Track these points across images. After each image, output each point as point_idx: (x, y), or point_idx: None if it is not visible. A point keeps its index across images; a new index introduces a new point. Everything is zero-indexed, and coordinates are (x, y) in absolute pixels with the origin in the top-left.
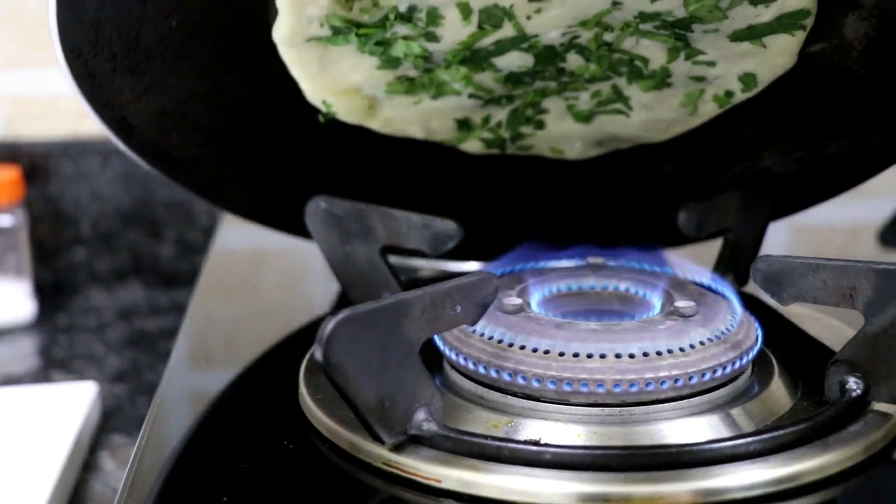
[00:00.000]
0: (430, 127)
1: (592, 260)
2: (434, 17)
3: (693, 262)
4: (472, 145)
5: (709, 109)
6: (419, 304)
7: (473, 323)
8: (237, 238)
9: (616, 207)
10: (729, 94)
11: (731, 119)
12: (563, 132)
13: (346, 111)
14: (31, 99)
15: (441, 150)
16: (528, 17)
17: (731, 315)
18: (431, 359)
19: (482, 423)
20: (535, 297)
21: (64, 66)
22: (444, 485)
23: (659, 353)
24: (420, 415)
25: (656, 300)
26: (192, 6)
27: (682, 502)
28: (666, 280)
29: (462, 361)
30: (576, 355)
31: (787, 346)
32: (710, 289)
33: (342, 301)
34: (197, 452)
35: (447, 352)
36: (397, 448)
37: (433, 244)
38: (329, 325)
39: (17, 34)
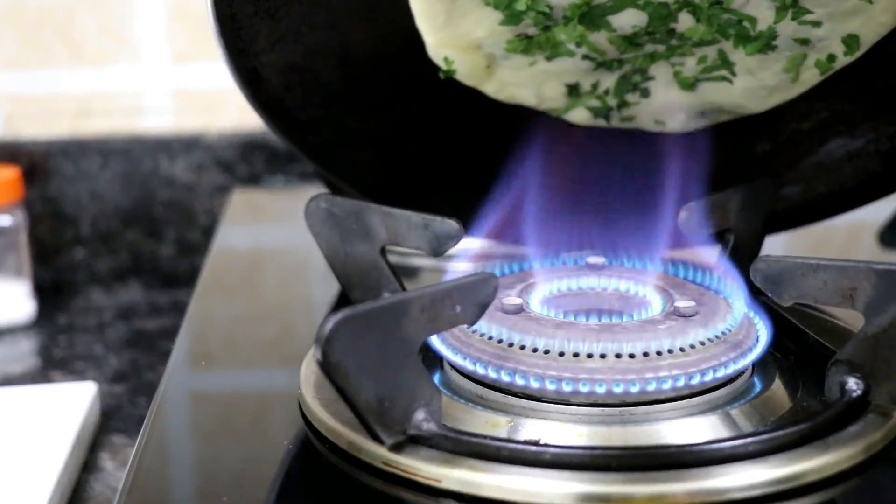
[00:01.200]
0: (541, 92)
1: (592, 260)
2: None
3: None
4: (580, 114)
5: (810, 77)
6: (419, 304)
7: (473, 322)
8: (237, 238)
9: (710, 188)
10: (831, 57)
11: (826, 93)
12: (667, 101)
13: (466, 69)
14: (31, 99)
15: (547, 125)
16: None
17: (731, 315)
18: (431, 359)
19: (482, 423)
20: (535, 297)
21: (211, 6)
22: (444, 485)
23: (659, 353)
24: (420, 415)
25: (656, 300)
26: None
27: (682, 502)
28: (666, 280)
29: (462, 361)
30: (576, 355)
31: (787, 346)
32: (710, 288)
33: (342, 301)
34: (197, 452)
35: (447, 351)
36: (397, 448)
37: (433, 244)
38: (329, 325)
39: (17, 34)
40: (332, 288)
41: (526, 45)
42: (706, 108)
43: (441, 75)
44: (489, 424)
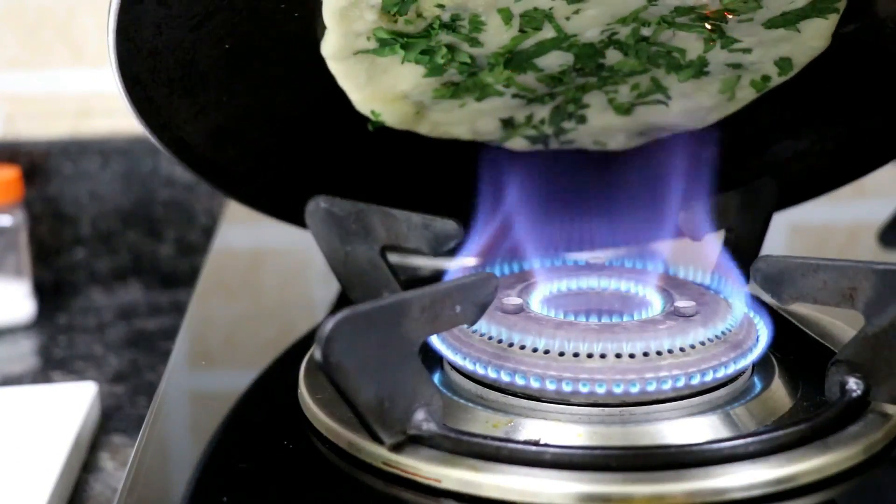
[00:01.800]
0: (475, 128)
1: (592, 260)
2: (476, 23)
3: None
4: (517, 143)
5: (746, 95)
6: (419, 304)
7: (473, 323)
8: (237, 238)
9: (655, 196)
10: (766, 78)
11: (768, 102)
12: (604, 125)
13: (395, 118)
14: (31, 99)
15: (487, 150)
16: (567, 18)
17: (732, 315)
18: (431, 359)
19: (482, 422)
20: (535, 297)
21: (124, 94)
22: (444, 485)
23: (659, 353)
24: (419, 415)
25: (656, 300)
26: (244, 29)
27: (681, 502)
28: (666, 280)
29: (462, 361)
30: (576, 355)
31: (787, 346)
32: (710, 288)
33: (342, 301)
34: (197, 452)
35: (447, 351)
36: (397, 448)
37: (433, 244)
38: (328, 325)
39: (17, 34)
40: (332, 288)
41: (453, 90)
42: (645, 129)
43: (370, 127)
44: (489, 424)
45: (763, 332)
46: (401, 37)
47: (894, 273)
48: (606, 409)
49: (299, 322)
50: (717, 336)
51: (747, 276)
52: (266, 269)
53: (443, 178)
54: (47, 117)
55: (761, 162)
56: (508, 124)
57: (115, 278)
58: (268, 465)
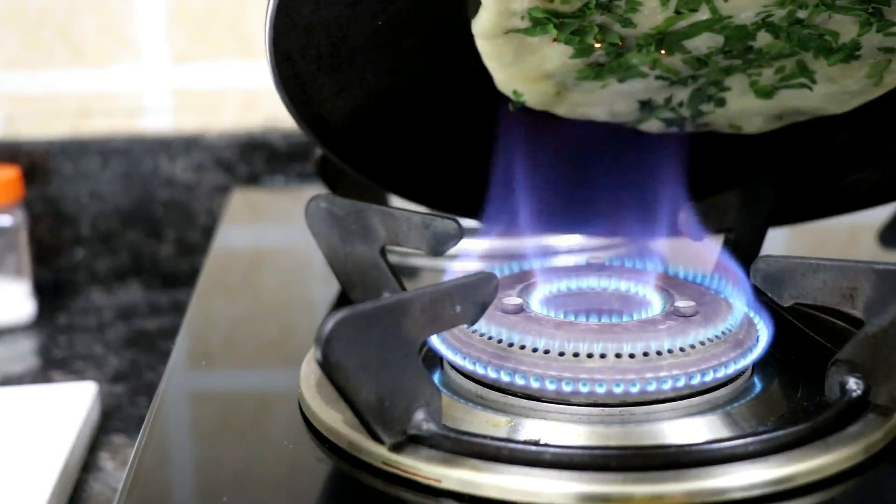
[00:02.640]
0: (613, 109)
1: (592, 260)
2: (633, 3)
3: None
4: (653, 125)
5: (894, 79)
6: (419, 304)
7: (473, 322)
8: (237, 238)
9: (786, 178)
10: None
11: None
12: (743, 108)
13: (535, 98)
14: (31, 99)
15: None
16: (725, 0)
17: (732, 315)
18: (431, 359)
19: (482, 423)
20: (535, 297)
21: (273, 70)
22: (444, 485)
23: (659, 353)
24: (419, 414)
25: (656, 300)
26: (399, 6)
27: (681, 502)
28: (666, 280)
29: (462, 361)
30: (576, 355)
31: (787, 346)
32: (710, 288)
33: (342, 301)
34: (197, 452)
35: (447, 351)
36: (397, 448)
37: (433, 244)
38: (329, 325)
39: (17, 34)
40: (332, 288)
41: (598, 72)
42: (784, 112)
43: (510, 107)
44: (489, 424)
45: (763, 332)
46: (555, 16)
47: (894, 273)
48: (606, 409)
49: (299, 322)
50: (717, 336)
51: (747, 276)
52: (266, 269)
53: (576, 156)
54: (47, 117)
55: (893, 149)
56: (646, 106)
57: (115, 278)
58: (268, 465)
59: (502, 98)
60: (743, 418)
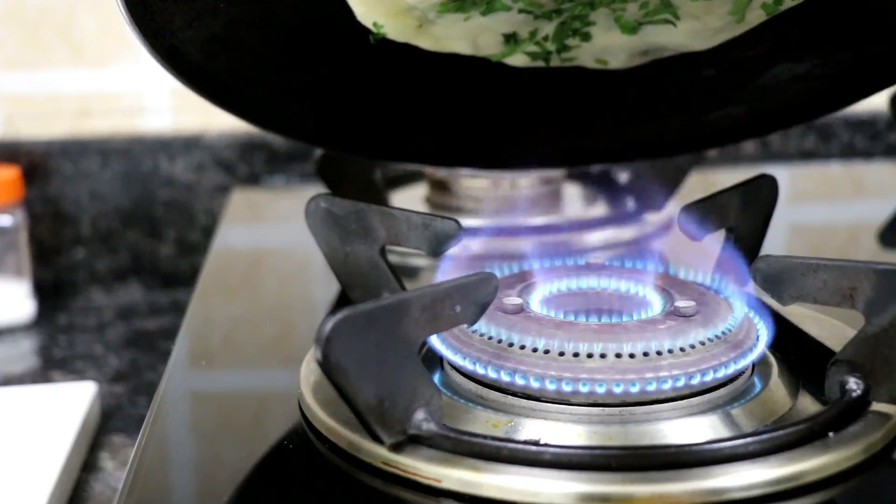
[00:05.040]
0: (477, 42)
1: (592, 259)
2: None
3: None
4: (518, 59)
5: (756, 17)
6: (419, 304)
7: (473, 322)
8: (237, 238)
9: (653, 112)
10: (778, 1)
11: (774, 23)
12: (608, 43)
13: (397, 31)
14: (31, 99)
15: (481, 65)
16: None
17: (732, 315)
18: (431, 359)
19: (482, 422)
20: (535, 297)
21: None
22: (444, 485)
23: (659, 353)
24: (419, 414)
25: (656, 300)
26: None
27: (682, 502)
28: (666, 280)
29: (462, 361)
30: (576, 355)
31: (787, 346)
32: (710, 288)
33: (342, 301)
34: (197, 452)
35: (447, 351)
36: (397, 448)
37: (433, 244)
38: (329, 325)
39: (17, 34)
40: (332, 288)
41: (460, 5)
42: (648, 48)
43: (371, 39)
44: (489, 424)
45: (763, 332)
46: None
47: (894, 273)
48: (606, 409)
49: (299, 322)
50: (717, 336)
51: (747, 276)
52: (266, 269)
53: (440, 94)
54: (47, 117)
55: (759, 84)
56: (511, 39)
57: (115, 278)
58: (268, 465)
59: (364, 29)
60: (743, 418)
